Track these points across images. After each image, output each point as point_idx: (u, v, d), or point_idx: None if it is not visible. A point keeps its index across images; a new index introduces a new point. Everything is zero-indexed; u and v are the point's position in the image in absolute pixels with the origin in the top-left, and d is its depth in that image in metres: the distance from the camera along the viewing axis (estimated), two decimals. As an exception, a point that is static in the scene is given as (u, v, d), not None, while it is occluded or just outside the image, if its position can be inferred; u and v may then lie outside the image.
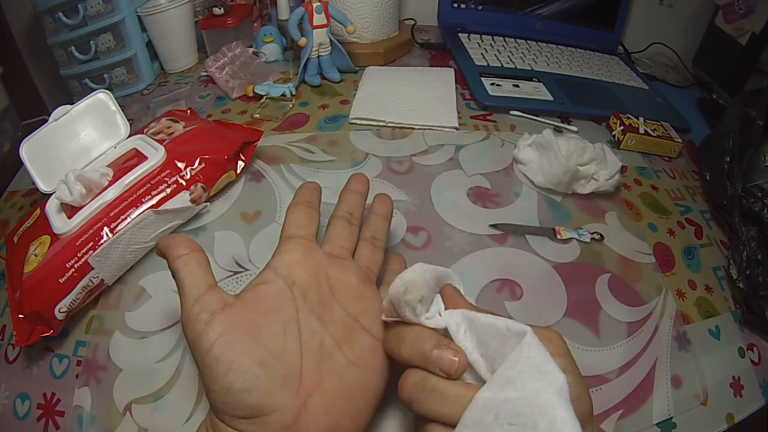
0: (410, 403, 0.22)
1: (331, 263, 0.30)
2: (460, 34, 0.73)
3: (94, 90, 0.46)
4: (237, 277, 0.38)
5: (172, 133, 0.44)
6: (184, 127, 0.45)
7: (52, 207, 0.38)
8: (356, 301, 0.29)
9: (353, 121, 0.55)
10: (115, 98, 0.46)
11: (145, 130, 0.45)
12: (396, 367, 0.29)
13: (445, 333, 0.24)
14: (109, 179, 0.40)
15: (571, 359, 0.23)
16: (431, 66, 0.69)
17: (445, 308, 0.24)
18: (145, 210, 0.38)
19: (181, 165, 0.41)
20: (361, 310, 0.28)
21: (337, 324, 0.27)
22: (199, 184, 0.41)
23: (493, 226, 0.43)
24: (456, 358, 0.22)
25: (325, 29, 0.60)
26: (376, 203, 0.36)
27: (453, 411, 0.21)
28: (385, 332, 0.26)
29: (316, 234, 0.32)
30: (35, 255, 0.36)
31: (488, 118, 0.58)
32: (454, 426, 0.21)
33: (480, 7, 0.76)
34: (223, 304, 0.25)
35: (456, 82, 0.63)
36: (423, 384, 0.22)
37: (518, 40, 0.74)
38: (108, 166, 0.41)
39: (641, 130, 0.54)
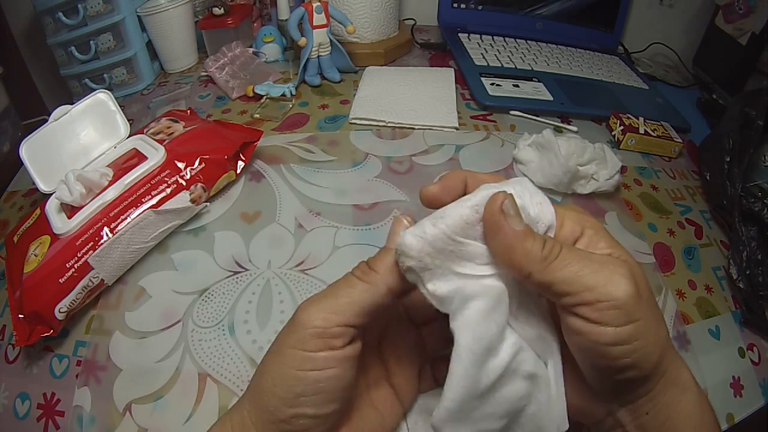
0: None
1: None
2: (460, 34, 0.73)
3: (94, 90, 0.46)
4: (237, 277, 0.38)
5: (172, 133, 0.44)
6: (184, 127, 0.45)
7: (52, 207, 0.38)
8: None
9: (353, 121, 0.55)
10: (115, 98, 0.46)
11: (145, 130, 0.45)
12: None
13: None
14: (109, 179, 0.40)
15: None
16: (431, 66, 0.69)
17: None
18: (145, 210, 0.38)
19: (181, 165, 0.41)
20: None
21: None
22: (199, 184, 0.41)
23: (493, 226, 0.43)
24: None
25: (325, 29, 0.60)
26: None
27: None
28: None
29: None
30: (35, 255, 0.36)
31: (488, 118, 0.58)
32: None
33: (480, 7, 0.76)
34: None
35: (456, 82, 0.63)
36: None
37: (518, 40, 0.74)
38: (108, 166, 0.41)
39: (641, 130, 0.54)
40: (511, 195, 0.21)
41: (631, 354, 0.19)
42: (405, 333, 0.28)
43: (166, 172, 0.40)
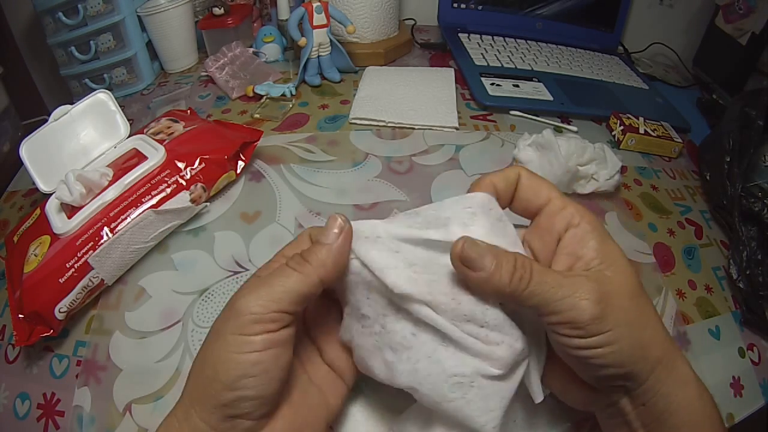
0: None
1: None
2: (460, 34, 0.73)
3: (94, 90, 0.46)
4: (237, 277, 0.38)
5: (172, 133, 0.44)
6: (184, 127, 0.45)
7: (52, 207, 0.38)
8: None
9: (353, 121, 0.55)
10: (115, 98, 0.46)
11: (145, 130, 0.45)
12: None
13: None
14: (109, 179, 0.40)
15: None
16: (431, 66, 0.69)
17: None
18: (145, 210, 0.38)
19: (181, 165, 0.41)
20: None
21: None
22: (199, 184, 0.41)
23: (493, 226, 0.43)
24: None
25: (325, 29, 0.60)
26: None
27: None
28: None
29: None
30: (35, 255, 0.36)
31: (488, 118, 0.58)
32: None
33: (480, 7, 0.76)
34: None
35: (456, 82, 0.63)
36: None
37: (518, 40, 0.74)
38: (108, 166, 0.41)
39: (641, 130, 0.54)
40: (467, 239, 0.23)
41: (603, 356, 0.22)
42: (328, 312, 0.29)
43: (166, 172, 0.40)
